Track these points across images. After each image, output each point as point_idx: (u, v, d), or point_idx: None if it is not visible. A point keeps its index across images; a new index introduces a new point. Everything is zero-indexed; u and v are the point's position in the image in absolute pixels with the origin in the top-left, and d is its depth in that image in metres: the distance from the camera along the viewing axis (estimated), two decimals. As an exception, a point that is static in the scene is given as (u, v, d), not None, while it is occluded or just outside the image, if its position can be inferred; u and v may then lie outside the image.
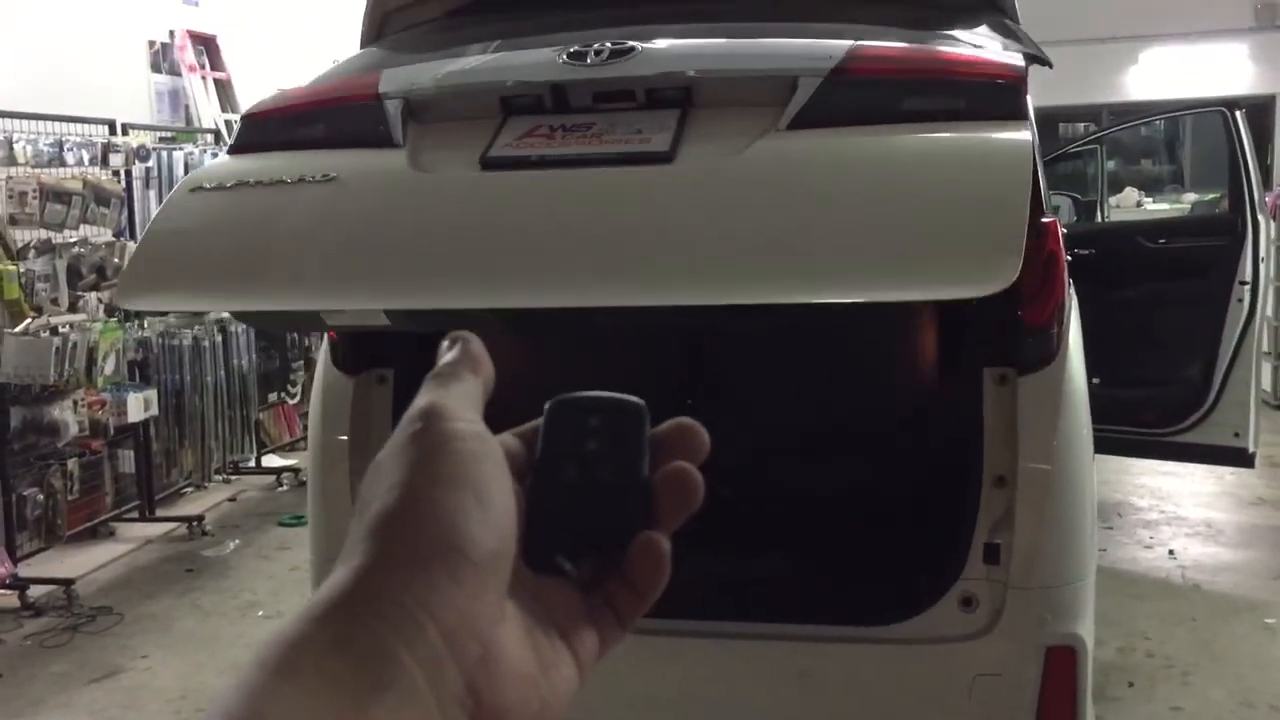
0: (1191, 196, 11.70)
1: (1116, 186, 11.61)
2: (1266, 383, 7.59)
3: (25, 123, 5.53)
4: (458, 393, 0.49)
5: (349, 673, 0.42)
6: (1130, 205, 11.67)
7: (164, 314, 5.74)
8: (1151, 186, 13.10)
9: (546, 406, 0.52)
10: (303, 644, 0.43)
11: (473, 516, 0.45)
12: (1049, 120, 11.61)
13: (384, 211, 2.43)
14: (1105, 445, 4.40)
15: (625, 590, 0.50)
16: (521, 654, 0.47)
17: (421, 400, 0.49)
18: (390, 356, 3.14)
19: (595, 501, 0.50)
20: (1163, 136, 13.67)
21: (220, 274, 2.35)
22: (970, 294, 1.90)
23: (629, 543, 0.49)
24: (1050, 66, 2.65)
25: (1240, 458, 5.19)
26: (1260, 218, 5.10)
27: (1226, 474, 6.21)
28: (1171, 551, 5.45)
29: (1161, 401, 5.33)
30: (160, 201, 6.59)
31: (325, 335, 3.26)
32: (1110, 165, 10.41)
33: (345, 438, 3.09)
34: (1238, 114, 5.16)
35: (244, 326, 6.64)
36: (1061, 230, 2.88)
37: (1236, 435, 5.12)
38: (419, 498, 0.45)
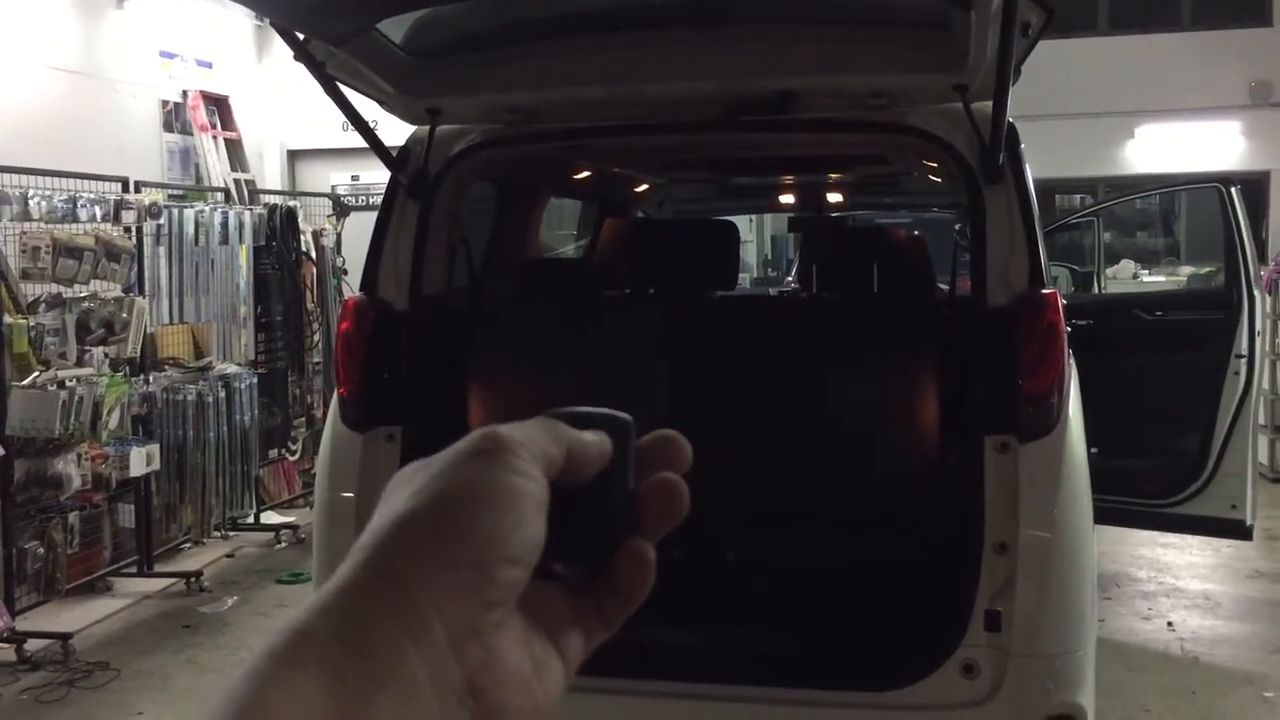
0: (1188, 269, 11.82)
1: (1113, 258, 11.72)
2: (1263, 455, 7.61)
3: (40, 179, 5.60)
4: (540, 447, 0.50)
5: (355, 666, 0.44)
6: (1127, 277, 11.77)
7: None
8: (1148, 259, 13.23)
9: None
10: (311, 635, 0.45)
11: (510, 540, 0.48)
12: (1046, 192, 11.74)
13: None
14: (1103, 515, 4.40)
15: (611, 595, 0.53)
16: (519, 656, 0.49)
17: (504, 428, 0.50)
18: (399, 414, 3.17)
19: (586, 510, 0.52)
20: (1159, 210, 13.83)
21: None
22: None
23: (617, 549, 0.52)
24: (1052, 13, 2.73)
25: (1238, 530, 5.21)
26: (1255, 292, 5.16)
27: (1224, 546, 6.22)
28: (1170, 623, 5.44)
29: (1159, 472, 5.36)
30: (170, 259, 6.67)
31: (335, 392, 3.30)
32: (1106, 237, 10.53)
33: (351, 495, 3.12)
34: (1233, 190, 5.25)
35: (247, 383, 6.67)
36: (1061, 301, 2.94)
37: (1234, 507, 5.14)
38: (463, 512, 0.47)
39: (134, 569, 6.15)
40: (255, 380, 6.82)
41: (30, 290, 5.49)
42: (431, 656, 0.46)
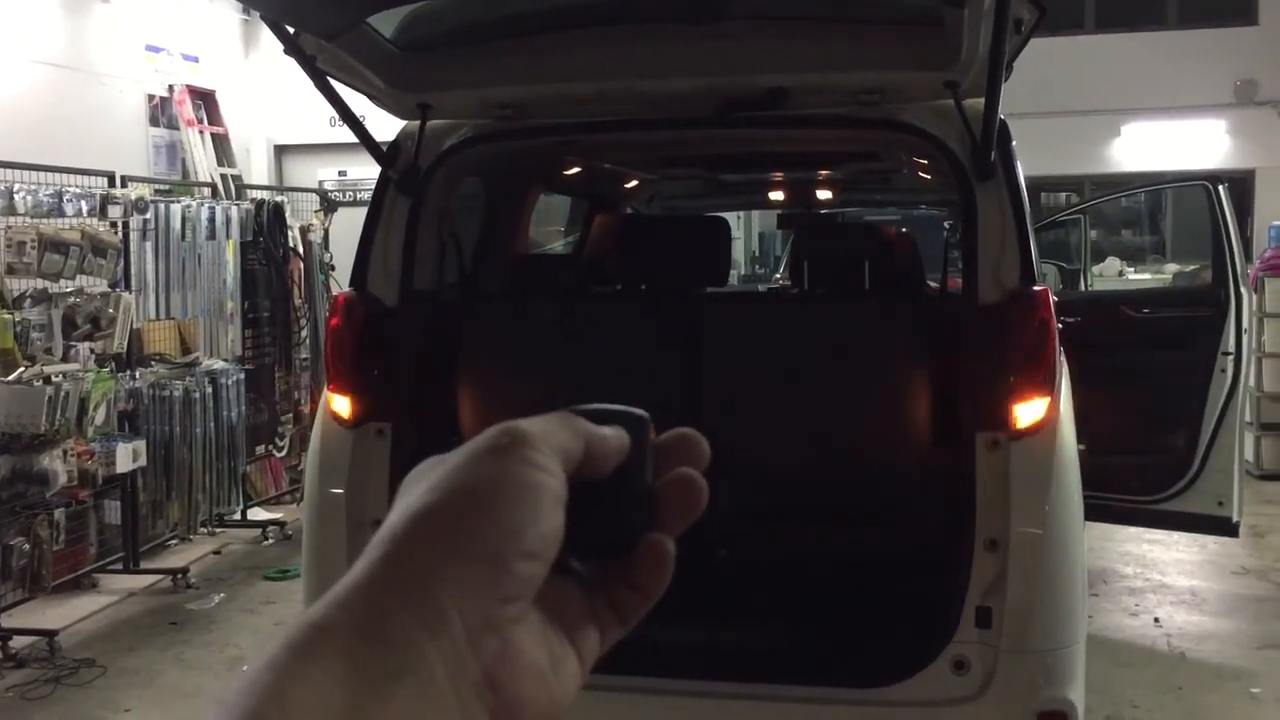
0: (1173, 267, 11.86)
1: (1099, 256, 11.75)
2: (1249, 452, 7.64)
3: (26, 173, 5.56)
4: (558, 441, 0.50)
5: (371, 658, 0.44)
6: (1113, 274, 11.81)
7: None
8: (1133, 256, 13.27)
9: None
10: (328, 628, 0.45)
11: (528, 534, 0.48)
12: (1032, 190, 11.76)
13: None
14: (1090, 512, 4.40)
15: (628, 591, 0.53)
16: (536, 651, 0.49)
17: (523, 423, 0.50)
18: (389, 410, 3.16)
19: (603, 505, 0.52)
20: (1144, 208, 13.88)
21: None
22: None
23: (635, 544, 0.52)
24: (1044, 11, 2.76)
25: (1224, 526, 5.22)
26: (1243, 290, 5.18)
27: (1210, 542, 6.24)
28: (1157, 619, 5.46)
29: (1146, 469, 5.37)
30: (157, 254, 6.63)
31: (325, 388, 3.29)
32: (1093, 235, 10.56)
33: (341, 491, 3.10)
34: (1221, 188, 5.26)
35: (234, 379, 6.64)
36: (1052, 299, 2.94)
37: (1220, 504, 5.16)
38: (480, 506, 0.48)
39: (120, 566, 6.12)
40: (242, 376, 6.79)
41: (15, 285, 5.45)
42: (448, 649, 0.46)
